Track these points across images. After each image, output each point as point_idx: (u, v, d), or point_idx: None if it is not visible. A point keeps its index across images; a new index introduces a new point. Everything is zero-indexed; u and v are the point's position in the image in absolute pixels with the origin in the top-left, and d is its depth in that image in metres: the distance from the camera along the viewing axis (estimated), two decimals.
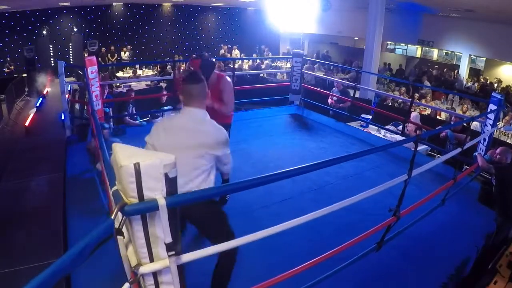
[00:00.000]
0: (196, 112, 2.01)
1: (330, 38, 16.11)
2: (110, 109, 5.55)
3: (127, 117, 5.57)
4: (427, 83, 11.10)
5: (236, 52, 14.25)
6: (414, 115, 5.82)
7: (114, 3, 12.98)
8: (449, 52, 13.12)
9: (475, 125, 6.31)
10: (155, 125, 2.10)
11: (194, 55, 3.09)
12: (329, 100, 6.47)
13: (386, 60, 13.98)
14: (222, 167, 2.14)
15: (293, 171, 1.70)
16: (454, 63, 13.02)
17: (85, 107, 6.64)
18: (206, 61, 2.97)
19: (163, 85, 9.59)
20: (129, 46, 13.25)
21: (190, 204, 1.38)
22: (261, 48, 15.03)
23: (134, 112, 5.98)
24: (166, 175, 1.21)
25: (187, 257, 1.40)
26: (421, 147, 5.29)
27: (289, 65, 8.07)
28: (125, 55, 12.98)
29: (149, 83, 10.02)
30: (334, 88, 6.62)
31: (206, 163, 1.97)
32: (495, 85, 11.33)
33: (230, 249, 1.73)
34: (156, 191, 1.20)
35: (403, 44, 14.40)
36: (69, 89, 7.72)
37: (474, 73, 12.40)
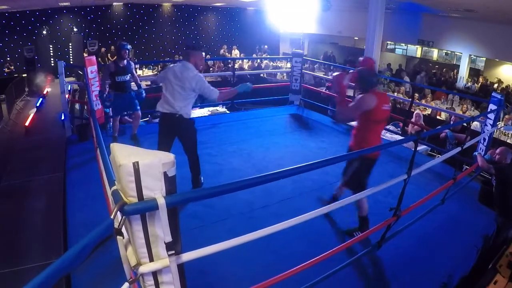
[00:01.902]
0: (188, 64, 3.19)
1: (330, 38, 16.11)
2: (110, 109, 5.55)
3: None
4: (406, 78, 11.20)
5: (235, 52, 14.26)
6: (417, 113, 5.82)
7: (114, 3, 12.97)
8: (449, 52, 13.11)
9: (475, 125, 6.32)
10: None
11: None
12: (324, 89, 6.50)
13: (386, 60, 13.99)
14: (207, 97, 3.30)
15: (293, 170, 1.70)
16: (454, 63, 13.01)
17: (85, 107, 6.64)
18: (364, 73, 2.83)
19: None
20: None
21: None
22: (262, 47, 15.05)
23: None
24: (165, 174, 1.20)
25: (187, 256, 1.40)
26: (421, 147, 5.30)
27: (289, 65, 8.07)
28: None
29: (149, 83, 10.02)
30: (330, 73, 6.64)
31: (190, 93, 3.21)
32: (495, 85, 11.33)
33: (193, 152, 3.40)
34: (155, 190, 1.19)
35: (403, 44, 14.40)
36: (69, 89, 7.72)
37: (474, 73, 12.40)
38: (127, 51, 4.57)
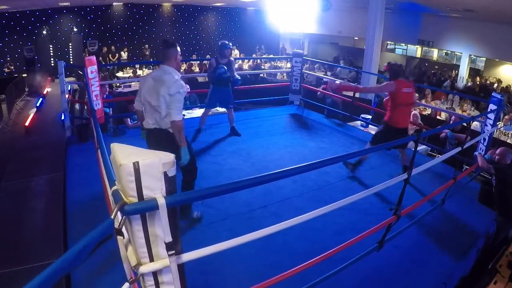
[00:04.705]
0: (165, 68, 2.71)
1: (330, 38, 16.11)
2: (110, 109, 5.55)
3: (128, 119, 5.56)
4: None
5: (235, 52, 14.27)
6: (414, 113, 5.82)
7: (114, 3, 12.98)
8: (449, 52, 13.12)
9: (475, 125, 6.31)
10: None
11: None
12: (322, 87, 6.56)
13: (386, 60, 13.97)
14: (169, 111, 2.65)
15: (293, 170, 1.70)
16: (454, 63, 13.01)
17: (85, 107, 6.64)
18: (393, 66, 3.83)
19: None
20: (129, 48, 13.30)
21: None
22: (262, 47, 15.08)
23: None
24: (165, 174, 1.21)
25: (187, 256, 1.40)
26: (421, 147, 5.29)
27: (289, 65, 8.07)
28: (125, 55, 12.99)
29: None
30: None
31: (160, 104, 2.65)
32: (495, 85, 11.33)
33: (191, 166, 2.86)
34: (155, 190, 1.20)
35: (403, 44, 14.40)
36: (69, 89, 7.72)
37: (474, 73, 12.40)
38: (230, 50, 4.89)
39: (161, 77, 2.65)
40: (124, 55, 12.96)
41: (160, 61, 2.78)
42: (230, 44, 4.92)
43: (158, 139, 2.78)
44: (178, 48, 2.78)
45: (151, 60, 13.33)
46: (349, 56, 15.07)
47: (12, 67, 11.16)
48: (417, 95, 9.08)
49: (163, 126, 2.73)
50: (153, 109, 2.71)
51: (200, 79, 9.75)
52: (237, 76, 4.95)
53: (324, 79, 7.29)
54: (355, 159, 4.06)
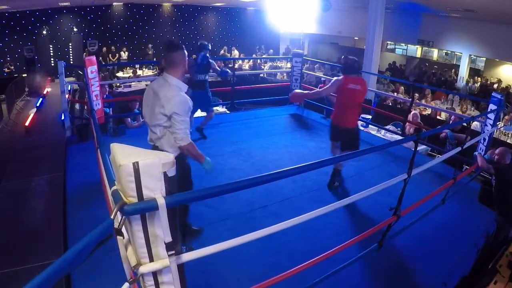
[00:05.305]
0: (167, 77, 2.25)
1: (330, 38, 16.10)
2: (110, 109, 5.55)
3: (128, 119, 5.56)
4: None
5: (235, 53, 14.26)
6: (414, 113, 5.82)
7: (114, 3, 12.97)
8: (449, 52, 13.11)
9: (475, 125, 6.31)
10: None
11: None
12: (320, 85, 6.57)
13: (386, 60, 13.99)
14: (173, 135, 2.25)
15: (293, 170, 1.70)
16: (454, 63, 13.01)
17: (85, 107, 6.64)
18: (347, 60, 3.65)
19: None
20: (128, 48, 13.29)
21: None
22: (262, 47, 15.07)
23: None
24: (165, 174, 1.21)
25: (187, 256, 1.40)
26: (421, 147, 5.29)
27: (289, 65, 8.07)
28: (125, 55, 12.99)
29: (149, 83, 10.02)
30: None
31: (162, 122, 2.23)
32: (495, 85, 11.32)
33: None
34: (155, 191, 1.20)
35: (403, 44, 14.40)
36: (69, 89, 7.71)
37: (474, 73, 12.40)
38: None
39: (158, 90, 2.23)
40: (124, 55, 12.95)
41: (159, 61, 2.62)
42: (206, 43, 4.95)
43: None
44: (186, 52, 2.31)
45: (154, 60, 13.29)
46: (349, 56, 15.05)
47: (12, 67, 11.16)
48: (417, 95, 9.11)
49: (160, 147, 2.32)
50: (149, 126, 2.35)
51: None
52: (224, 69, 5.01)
53: (322, 79, 7.29)
54: (331, 172, 3.81)
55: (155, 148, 2.38)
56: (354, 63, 3.61)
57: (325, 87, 3.74)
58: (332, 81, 3.62)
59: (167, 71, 2.26)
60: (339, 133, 3.64)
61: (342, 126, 3.59)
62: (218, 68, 5.04)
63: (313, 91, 4.50)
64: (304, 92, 4.13)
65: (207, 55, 4.82)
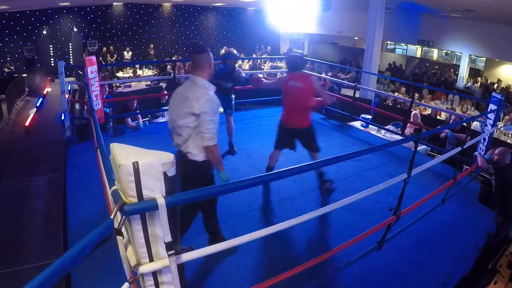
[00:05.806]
0: (195, 79, 2.28)
1: (330, 38, 16.11)
2: (110, 109, 5.55)
3: (128, 119, 5.56)
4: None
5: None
6: (414, 113, 5.82)
7: (114, 3, 12.97)
8: (449, 52, 13.11)
9: (475, 125, 6.31)
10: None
11: None
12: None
13: (386, 60, 13.98)
14: (200, 134, 2.24)
15: (293, 170, 1.70)
16: (454, 63, 13.01)
17: (85, 107, 6.63)
18: (289, 58, 3.49)
19: (163, 85, 9.60)
20: (130, 47, 13.30)
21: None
22: (262, 47, 15.08)
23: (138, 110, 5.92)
24: (165, 174, 1.21)
25: (187, 256, 1.40)
26: (421, 147, 5.29)
27: None
28: (128, 54, 12.98)
29: (149, 83, 10.03)
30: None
31: (190, 121, 2.21)
32: (495, 85, 11.32)
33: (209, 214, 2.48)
34: (155, 190, 1.20)
35: (403, 44, 14.40)
36: (69, 89, 7.71)
37: (474, 73, 12.40)
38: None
39: (186, 91, 2.25)
40: (127, 54, 12.95)
41: (159, 61, 2.64)
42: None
43: (183, 167, 2.27)
44: (211, 54, 2.33)
45: (155, 60, 13.29)
46: (354, 58, 15.05)
47: (12, 67, 11.16)
48: (417, 95, 9.11)
49: (185, 151, 2.30)
50: (174, 129, 2.33)
51: None
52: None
53: (322, 78, 7.28)
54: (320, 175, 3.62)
55: (180, 153, 2.33)
56: (297, 59, 3.39)
57: (273, 80, 3.73)
58: (278, 77, 3.52)
59: (194, 73, 2.30)
60: (286, 135, 3.44)
61: (288, 127, 3.42)
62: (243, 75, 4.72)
63: (268, 81, 3.94)
64: (262, 79, 3.88)
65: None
